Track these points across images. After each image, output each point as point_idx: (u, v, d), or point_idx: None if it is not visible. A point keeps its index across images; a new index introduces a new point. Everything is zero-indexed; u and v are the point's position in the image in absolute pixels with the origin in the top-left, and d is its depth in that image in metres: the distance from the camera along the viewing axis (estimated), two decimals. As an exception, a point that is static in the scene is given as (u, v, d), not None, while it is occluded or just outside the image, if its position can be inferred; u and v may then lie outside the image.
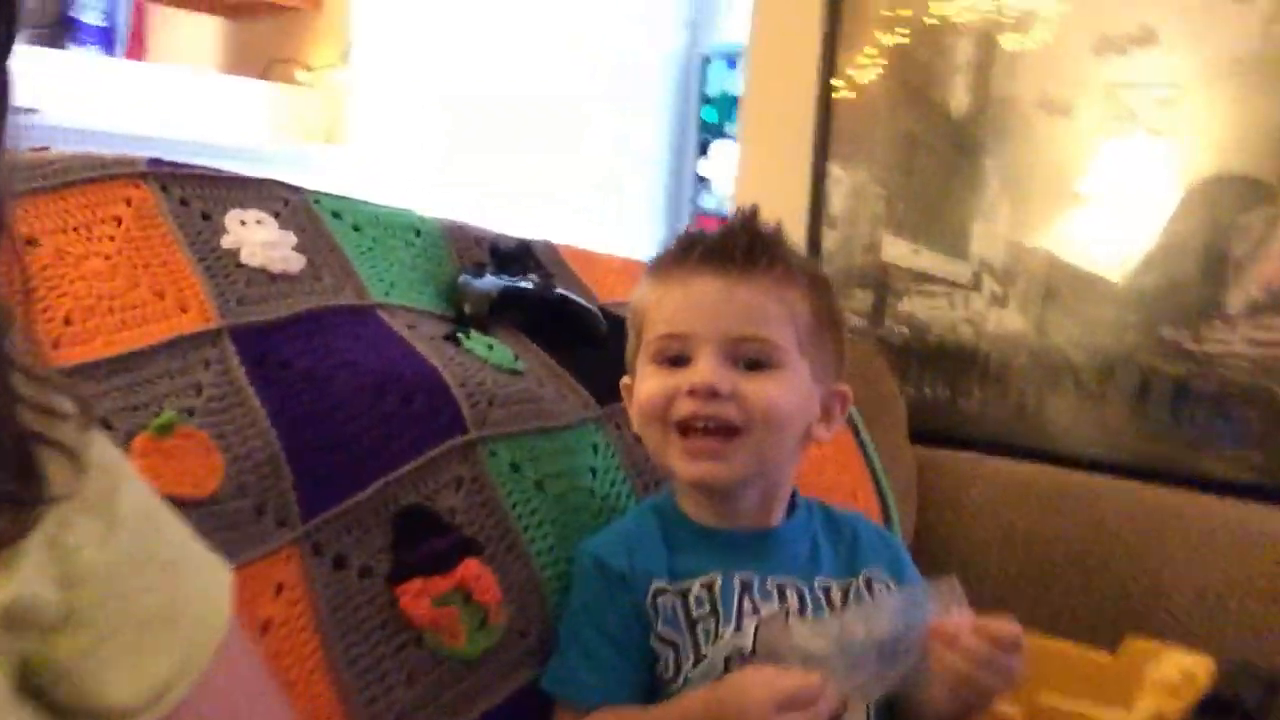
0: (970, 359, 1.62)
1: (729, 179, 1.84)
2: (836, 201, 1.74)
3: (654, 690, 0.93)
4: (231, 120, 2.57)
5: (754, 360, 0.95)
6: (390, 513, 0.93)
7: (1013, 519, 1.34)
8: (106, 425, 0.84)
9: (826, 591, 0.98)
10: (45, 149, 1.07)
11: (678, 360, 0.96)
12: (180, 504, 0.83)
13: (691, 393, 0.93)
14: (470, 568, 0.93)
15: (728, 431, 0.94)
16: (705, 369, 0.93)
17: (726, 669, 0.91)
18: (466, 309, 1.19)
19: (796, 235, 1.75)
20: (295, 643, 0.85)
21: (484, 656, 0.92)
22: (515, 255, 1.34)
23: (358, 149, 2.69)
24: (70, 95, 2.21)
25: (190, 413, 0.89)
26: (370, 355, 1.02)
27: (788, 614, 0.95)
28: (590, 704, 0.92)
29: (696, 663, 0.92)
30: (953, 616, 0.88)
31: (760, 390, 0.94)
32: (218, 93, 2.58)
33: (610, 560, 0.95)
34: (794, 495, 1.05)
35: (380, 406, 0.98)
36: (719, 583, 0.95)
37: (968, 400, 1.62)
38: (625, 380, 1.03)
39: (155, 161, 1.09)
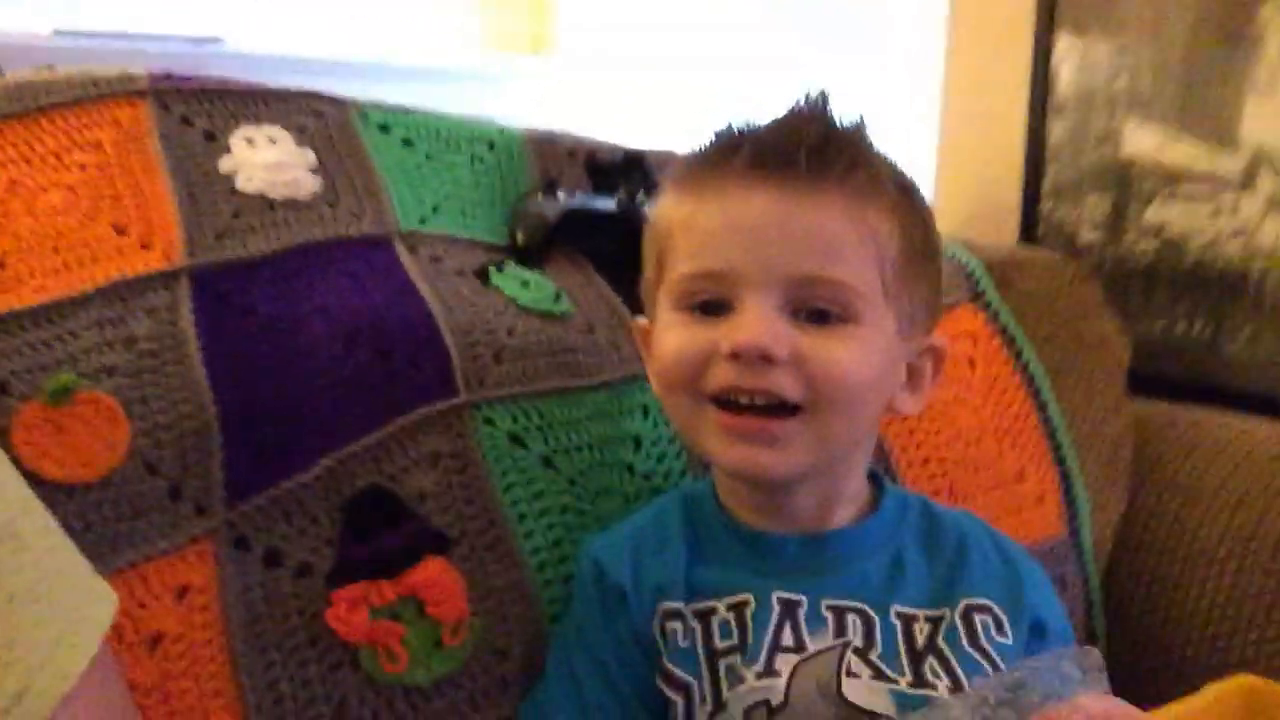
0: (1239, 284, 1.21)
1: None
2: (1065, 78, 1.36)
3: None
4: (437, 33, 2.46)
5: (821, 310, 0.68)
6: (342, 496, 0.76)
7: (1272, 510, 0.97)
8: (3, 390, 0.72)
9: (907, 624, 0.71)
10: (51, 68, 0.96)
11: (714, 307, 0.69)
12: (65, 490, 0.71)
13: (734, 356, 0.67)
14: (428, 570, 0.73)
15: (783, 408, 0.67)
16: (754, 324, 0.67)
17: (747, 728, 0.67)
18: (519, 237, 0.98)
19: (1014, 124, 1.39)
20: (193, 661, 0.70)
21: (440, 685, 0.73)
22: (618, 169, 1.11)
23: (565, 60, 2.51)
24: (256, 21, 2.17)
25: (109, 372, 0.75)
26: (353, 297, 0.84)
27: (845, 654, 0.69)
28: (572, 755, 0.71)
29: (715, 713, 0.68)
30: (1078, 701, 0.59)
31: (829, 354, 0.67)
32: (422, 4, 2.48)
33: (610, 568, 0.73)
34: (880, 484, 0.77)
35: (349, 361, 0.79)
36: (752, 604, 0.70)
37: (1233, 340, 1.22)
38: (640, 321, 0.78)
39: (161, 76, 0.96)
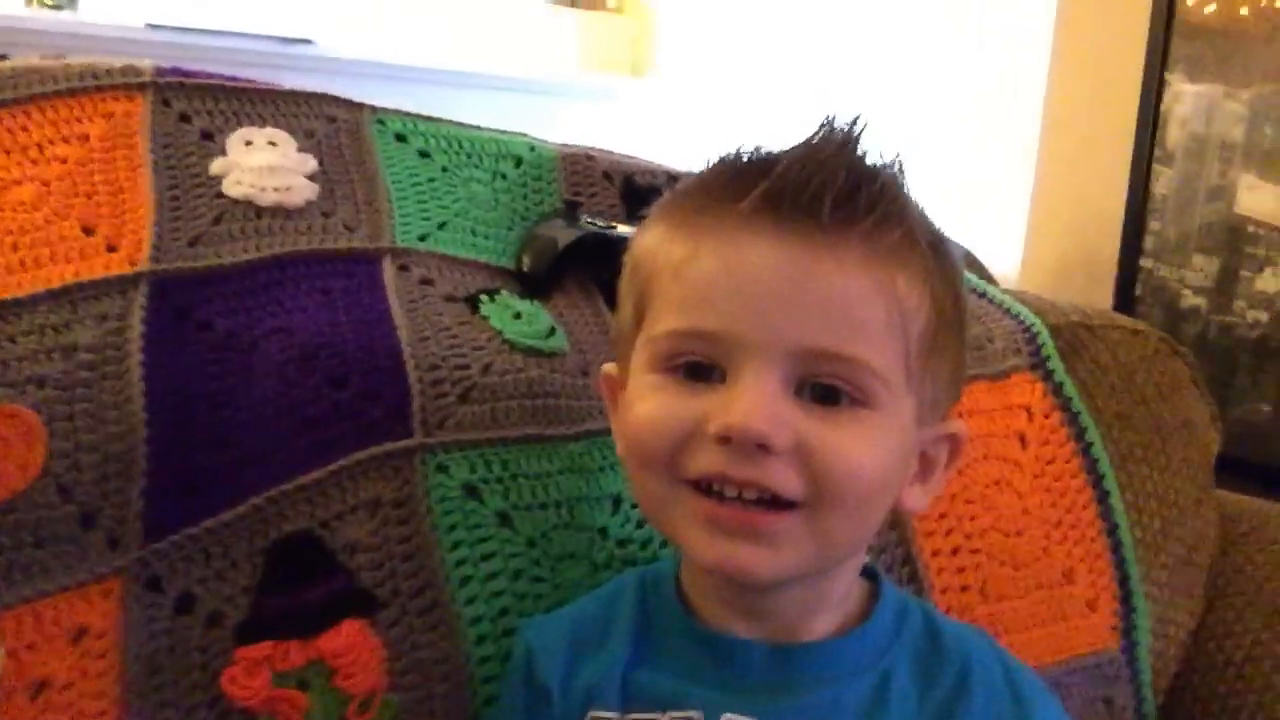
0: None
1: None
2: (1175, 126, 1.22)
3: None
4: (536, 49, 2.42)
5: (830, 389, 0.56)
6: (267, 539, 0.68)
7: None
8: (-78, 397, 0.67)
9: (883, 764, 0.59)
10: (60, 57, 0.92)
11: (702, 371, 0.57)
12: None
13: (724, 439, 0.55)
14: (343, 635, 0.65)
15: (776, 502, 0.56)
16: (751, 403, 0.54)
17: None
18: (525, 261, 0.90)
19: (1116, 173, 1.25)
20: (78, 715, 0.63)
21: (344, 764, 0.64)
22: (658, 193, 1.02)
23: (664, 81, 2.44)
24: (351, 24, 2.15)
25: (39, 383, 0.70)
26: (318, 316, 0.76)
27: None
28: None
29: None
30: None
31: (838, 446, 0.55)
32: (522, 19, 2.44)
33: (540, 661, 0.63)
34: (878, 585, 0.65)
35: (299, 388, 0.72)
36: (700, 722, 0.60)
37: (1352, 431, 1.06)
38: (609, 369, 0.67)
39: (165, 70, 0.91)
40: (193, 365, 0.73)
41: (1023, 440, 0.86)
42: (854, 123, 0.60)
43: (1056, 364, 0.89)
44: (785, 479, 0.55)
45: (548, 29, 2.46)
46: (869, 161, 0.59)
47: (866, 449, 0.56)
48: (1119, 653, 0.82)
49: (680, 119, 2.36)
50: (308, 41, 2.08)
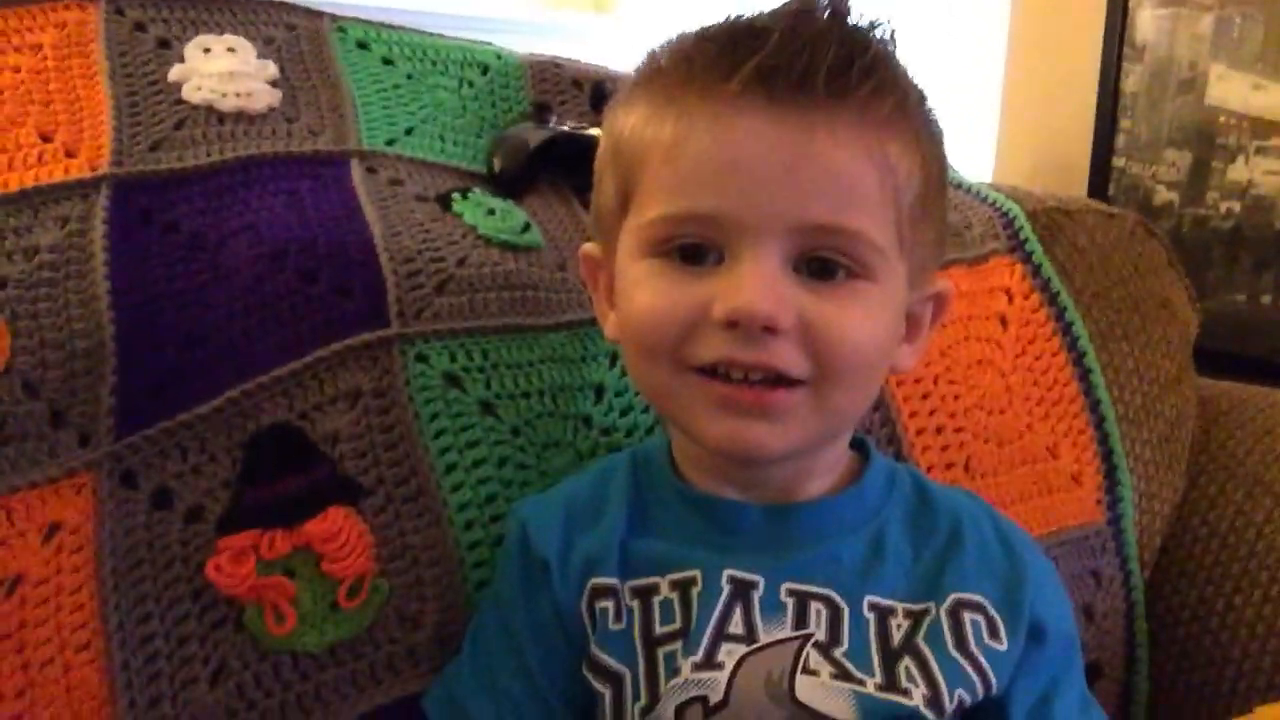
0: (1336, 251, 1.06)
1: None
2: (1144, 21, 1.21)
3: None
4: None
5: (826, 263, 0.55)
6: (245, 433, 0.67)
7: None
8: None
9: (882, 618, 0.59)
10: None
11: (698, 253, 0.56)
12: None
13: (731, 324, 0.54)
14: (330, 521, 0.64)
15: (781, 380, 0.55)
16: (755, 285, 0.54)
17: (679, 728, 0.56)
18: (496, 163, 0.88)
19: (1086, 69, 1.24)
20: (57, 609, 0.62)
21: (335, 651, 0.63)
22: (626, 98, 1.00)
23: (628, 18, 2.40)
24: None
25: (1, 284, 0.67)
26: (287, 215, 0.75)
27: (804, 648, 0.57)
28: (483, 751, 0.61)
29: (650, 709, 0.57)
30: None
31: (840, 321, 0.55)
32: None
33: (537, 536, 0.62)
34: (866, 452, 0.65)
35: (270, 284, 0.71)
36: (699, 583, 0.59)
37: (1326, 314, 1.07)
38: (590, 248, 0.65)
39: (120, -22, 0.88)
40: (159, 265, 0.71)
41: (1003, 321, 0.85)
42: None
43: (1035, 246, 0.89)
44: (791, 358, 0.55)
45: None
46: (860, 30, 0.58)
47: (866, 322, 0.56)
48: (1105, 525, 0.83)
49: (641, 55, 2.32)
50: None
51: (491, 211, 0.81)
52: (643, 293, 0.57)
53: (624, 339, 0.61)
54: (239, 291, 0.70)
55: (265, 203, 0.76)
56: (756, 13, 0.59)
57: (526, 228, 0.81)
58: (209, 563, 0.62)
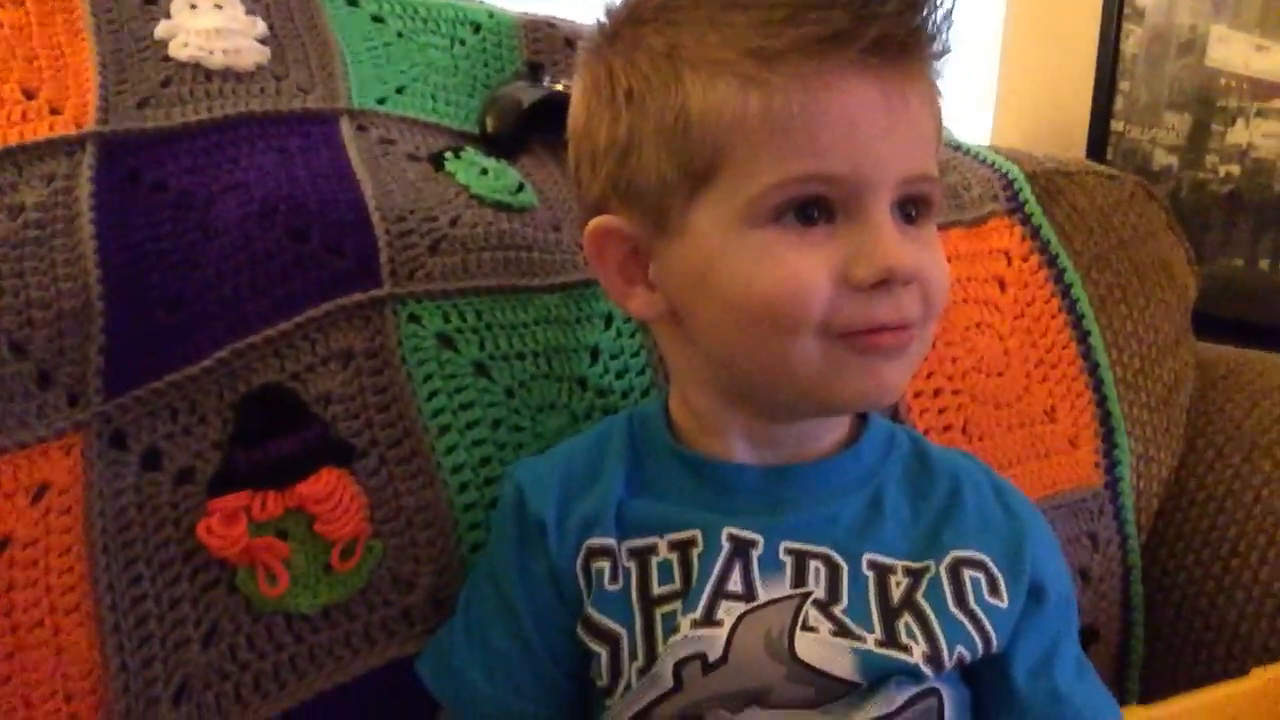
0: (1336, 215, 1.05)
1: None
2: (1145, -18, 1.20)
3: (591, 704, 0.60)
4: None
5: (917, 209, 0.58)
6: (236, 394, 0.66)
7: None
8: None
9: (881, 576, 0.58)
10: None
11: (809, 217, 0.55)
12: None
13: (881, 284, 0.54)
14: (321, 482, 0.63)
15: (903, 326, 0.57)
16: (894, 241, 0.54)
17: (677, 684, 0.56)
18: (489, 123, 0.87)
19: (1085, 31, 1.23)
20: (45, 571, 0.61)
21: (329, 613, 0.63)
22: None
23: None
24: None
25: (-15, 243, 0.66)
26: (277, 174, 0.73)
27: (804, 606, 0.57)
28: (476, 715, 0.60)
29: (647, 668, 0.57)
30: None
31: (937, 264, 0.58)
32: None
33: (533, 496, 0.62)
34: (864, 414, 0.65)
35: (260, 243, 0.69)
36: (700, 544, 0.59)
37: (1324, 279, 1.06)
38: (605, 224, 0.60)
39: (101, -67, 0.86)
40: (147, 224, 0.70)
41: (1002, 284, 0.85)
42: None
43: (1034, 208, 0.88)
44: (913, 306, 0.56)
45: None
46: None
47: (944, 258, 0.59)
48: (1102, 489, 0.82)
49: None
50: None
51: (484, 171, 0.80)
52: (771, 266, 0.55)
53: (735, 317, 0.56)
54: (228, 250, 0.69)
55: (254, 161, 0.75)
56: None
57: (520, 188, 0.80)
58: (200, 524, 0.61)
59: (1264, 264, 1.10)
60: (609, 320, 0.75)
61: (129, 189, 0.72)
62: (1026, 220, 0.88)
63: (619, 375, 0.74)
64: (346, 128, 0.80)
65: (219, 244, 0.69)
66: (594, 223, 0.60)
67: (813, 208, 0.55)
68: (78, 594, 0.60)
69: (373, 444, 0.66)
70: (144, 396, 0.65)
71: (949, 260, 0.59)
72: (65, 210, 0.69)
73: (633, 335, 0.75)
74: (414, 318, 0.69)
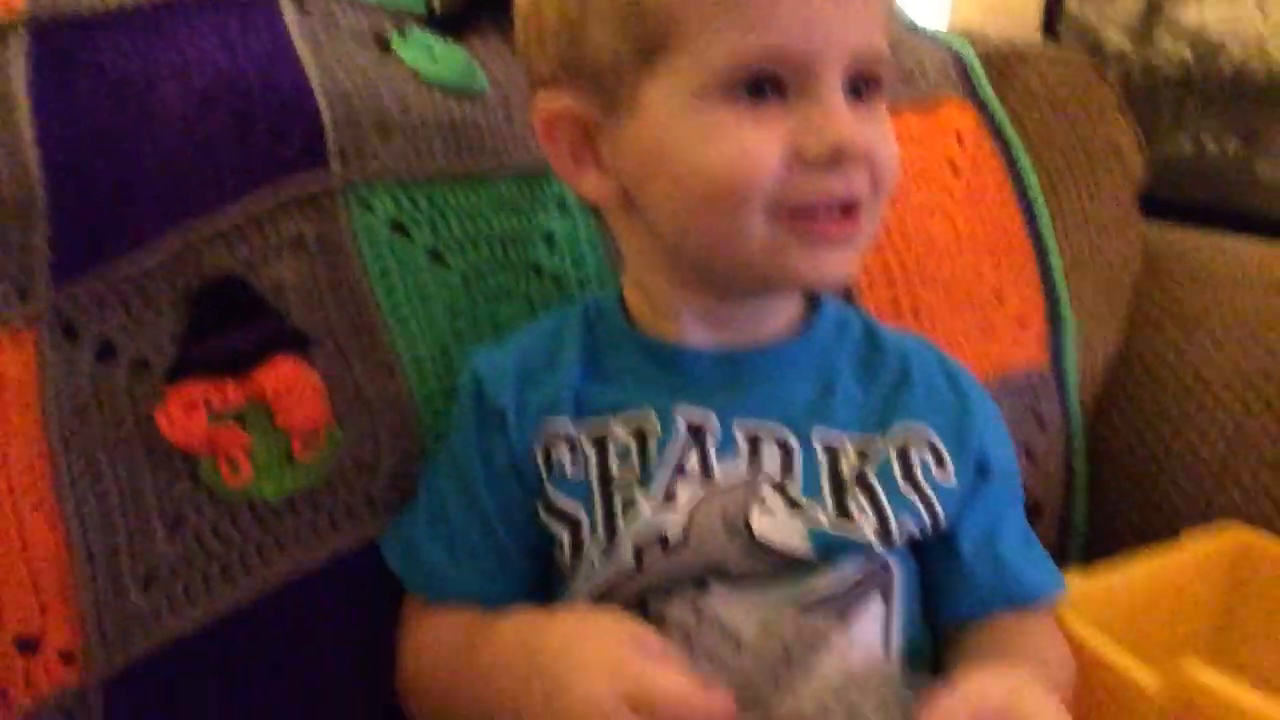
0: (1282, 96, 1.06)
1: None
2: None
3: (552, 584, 0.62)
4: None
5: (867, 86, 0.57)
6: (188, 284, 0.65)
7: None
8: None
9: (832, 455, 0.60)
10: None
11: (761, 91, 0.54)
12: None
13: (832, 161, 0.54)
14: (280, 371, 0.63)
15: (851, 205, 0.56)
16: (845, 116, 0.54)
17: (638, 564, 0.57)
18: (435, 3, 0.84)
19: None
20: (3, 463, 0.61)
21: (293, 500, 0.64)
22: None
23: None
24: None
25: (-83, 133, 0.64)
26: (218, 57, 0.71)
27: (758, 486, 0.58)
28: (440, 594, 0.62)
29: (608, 549, 0.58)
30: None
31: (886, 141, 0.57)
32: None
33: (491, 386, 0.62)
34: (816, 297, 0.65)
35: (203, 128, 0.68)
36: (655, 425, 0.60)
37: (1269, 161, 1.07)
38: (553, 106, 0.59)
39: None
40: (86, 110, 0.68)
41: (954, 167, 0.85)
42: None
43: (986, 90, 0.88)
44: (862, 183, 0.55)
45: None
46: None
47: (894, 137, 0.58)
48: (1048, 368, 0.84)
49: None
50: None
51: (433, 53, 0.78)
52: (723, 142, 0.54)
53: (685, 194, 0.56)
54: (171, 136, 0.67)
55: (193, 43, 0.72)
56: None
57: (469, 70, 0.78)
58: (159, 414, 0.61)
59: (1212, 147, 1.12)
60: (563, 206, 0.75)
61: (66, 73, 0.69)
62: (979, 102, 0.88)
63: (575, 262, 0.74)
64: (288, 8, 0.77)
65: (161, 130, 0.68)
66: (543, 103, 0.60)
67: (765, 83, 0.54)
68: (39, 486, 0.61)
69: (329, 333, 0.66)
70: (94, 287, 0.64)
71: (902, 143, 0.59)
72: (0, 98, 0.67)
73: (587, 221, 0.75)
74: (365, 205, 0.68)
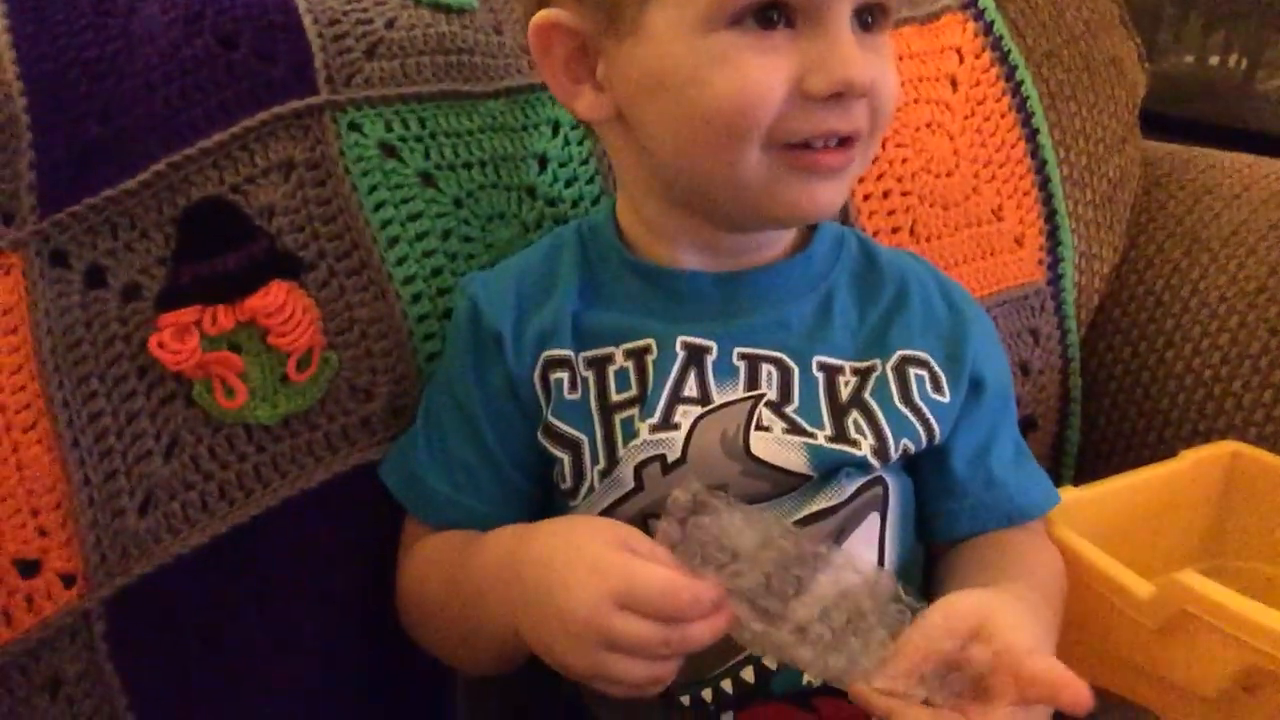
0: (1287, 9, 1.04)
1: None
2: None
3: (554, 508, 0.62)
4: None
5: (873, 18, 0.56)
6: (176, 208, 0.64)
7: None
8: None
9: (830, 376, 0.60)
10: None
11: (768, 20, 0.53)
12: None
13: (835, 96, 0.53)
14: (272, 295, 0.63)
15: (848, 138, 0.56)
16: (853, 51, 0.53)
17: (638, 485, 0.58)
18: (424, -83, 0.82)
19: None
20: (-2, 389, 0.60)
21: (289, 423, 0.64)
22: None
23: None
24: None
25: (-104, 56, 0.63)
26: (201, -23, 0.69)
27: (757, 407, 0.58)
28: (440, 519, 0.62)
29: (609, 472, 0.58)
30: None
31: (888, 77, 0.56)
32: None
33: (488, 310, 0.62)
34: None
35: (187, 50, 0.66)
36: (654, 351, 0.60)
37: (1271, 77, 1.06)
38: (550, 17, 0.58)
39: None
40: (67, 33, 0.66)
41: (954, 83, 0.84)
42: None
43: (987, 3, 0.86)
44: (861, 118, 0.55)
45: None
46: None
47: (895, 69, 0.57)
48: (1045, 285, 0.84)
49: None
50: None
51: (420, -32, 0.76)
52: (728, 71, 0.53)
53: (686, 122, 0.55)
54: (155, 59, 0.66)
55: (175, -37, 0.71)
56: None
57: (463, -12, 0.76)
58: (151, 339, 0.61)
59: (1213, 61, 1.10)
60: (556, 127, 0.74)
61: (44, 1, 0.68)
62: (980, 15, 0.86)
63: (568, 184, 0.73)
64: (272, -75, 0.76)
65: (145, 53, 0.66)
66: (539, 16, 0.58)
67: (773, 11, 0.53)
68: (34, 412, 0.60)
69: (321, 256, 0.65)
70: (81, 213, 0.63)
71: (900, 59, 0.58)
72: (-22, 22, 0.65)
73: (581, 142, 0.74)
74: (354, 126, 0.67)
